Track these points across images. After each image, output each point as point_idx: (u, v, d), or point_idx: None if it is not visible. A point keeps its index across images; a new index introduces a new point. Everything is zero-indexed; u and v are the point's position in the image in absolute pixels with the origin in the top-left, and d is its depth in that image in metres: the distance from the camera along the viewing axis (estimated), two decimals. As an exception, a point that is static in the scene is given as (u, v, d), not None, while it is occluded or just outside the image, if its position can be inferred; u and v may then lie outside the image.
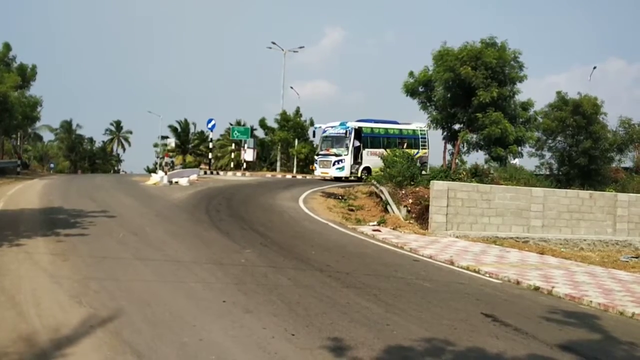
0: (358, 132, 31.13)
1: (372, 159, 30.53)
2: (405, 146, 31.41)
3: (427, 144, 33.84)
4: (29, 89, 36.55)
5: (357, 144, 30.96)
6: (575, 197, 19.18)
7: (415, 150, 31.73)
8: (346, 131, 31.00)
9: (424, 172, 27.16)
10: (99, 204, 17.31)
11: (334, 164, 30.74)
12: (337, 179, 30.23)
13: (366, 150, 31.35)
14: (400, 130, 33.93)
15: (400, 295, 8.82)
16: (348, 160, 30.50)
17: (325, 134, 32.38)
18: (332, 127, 32.13)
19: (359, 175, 30.61)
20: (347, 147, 30.55)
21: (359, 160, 30.98)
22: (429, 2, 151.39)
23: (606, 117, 31.65)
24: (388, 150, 28.01)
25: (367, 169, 30.45)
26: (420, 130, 33.27)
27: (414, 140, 33.66)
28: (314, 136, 32.78)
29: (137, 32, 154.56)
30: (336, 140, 31.40)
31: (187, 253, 10.91)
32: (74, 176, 41.84)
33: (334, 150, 31.09)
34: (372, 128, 32.58)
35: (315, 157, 32.61)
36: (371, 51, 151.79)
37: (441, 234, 16.72)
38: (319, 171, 31.63)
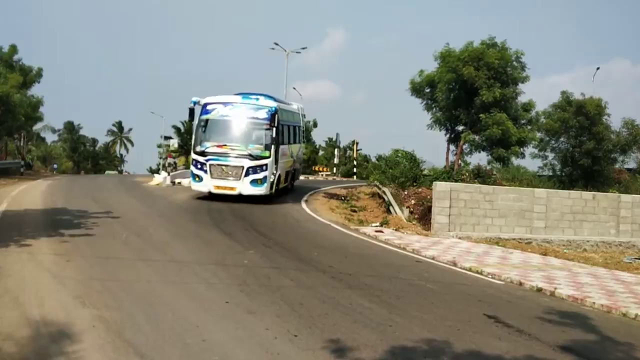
0: (275, 114, 18.95)
1: (282, 161, 20.40)
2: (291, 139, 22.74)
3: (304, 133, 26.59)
4: (32, 89, 36.62)
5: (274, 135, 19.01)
6: (579, 198, 19.13)
7: (298, 146, 24.67)
8: (270, 113, 18.83)
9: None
10: (102, 204, 17.36)
11: (247, 173, 18.48)
12: (247, 198, 18.69)
13: (282, 147, 20.25)
14: (293, 113, 23.90)
15: (402, 297, 8.83)
16: (271, 166, 18.75)
17: (217, 114, 19.11)
18: (231, 103, 19.30)
19: (273, 190, 19.24)
20: (271, 143, 18.75)
21: (276, 165, 19.21)
22: (432, 2, 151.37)
23: (609, 118, 31.65)
24: (295, 145, 23.18)
25: (278, 179, 19.67)
26: (302, 113, 25.92)
27: (295, 128, 23.90)
28: (190, 117, 19.36)
29: (142, 33, 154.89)
30: (247, 129, 19.08)
31: (190, 254, 10.94)
32: (77, 177, 41.95)
33: (239, 147, 18.73)
34: (284, 110, 21.59)
35: (193, 157, 19.57)
36: (374, 51, 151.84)
37: (444, 235, 16.71)
38: (206, 183, 18.79)
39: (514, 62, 25.44)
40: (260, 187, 18.69)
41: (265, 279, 9.18)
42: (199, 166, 18.98)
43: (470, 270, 11.63)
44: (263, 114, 18.96)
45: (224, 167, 18.71)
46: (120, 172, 71.49)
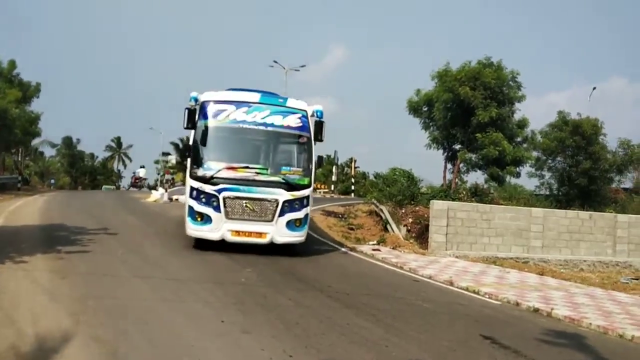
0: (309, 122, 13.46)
1: None
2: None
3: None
4: (30, 104, 36.75)
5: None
6: (575, 218, 19.17)
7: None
8: (306, 120, 13.31)
9: None
10: (99, 221, 17.33)
11: (282, 211, 12.83)
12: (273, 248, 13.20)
13: None
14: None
15: (399, 316, 8.81)
16: (311, 198, 13.49)
17: (227, 119, 13.00)
18: (247, 103, 13.11)
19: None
20: (310, 164, 13.31)
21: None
22: (431, 20, 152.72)
23: (606, 137, 31.80)
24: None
25: None
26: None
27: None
28: (190, 123, 12.83)
29: (142, 48, 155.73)
30: (277, 143, 13.67)
31: (187, 272, 10.90)
32: (75, 192, 41.86)
33: (268, 171, 13.07)
34: None
35: (191, 184, 12.86)
36: (374, 69, 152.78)
37: (441, 254, 16.70)
38: (217, 226, 12.69)
39: (510, 82, 25.68)
40: (300, 230, 12.94)
41: (262, 298, 9.15)
42: (204, 199, 12.47)
43: (467, 289, 11.61)
44: (296, 121, 13.07)
45: (248, 202, 12.54)
46: (118, 187, 71.43)
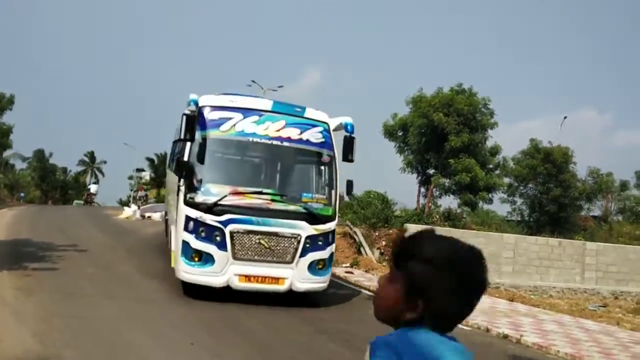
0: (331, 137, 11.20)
1: None
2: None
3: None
4: (3, 117, 36.22)
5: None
6: (545, 245, 19.48)
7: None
8: (328, 135, 10.88)
9: None
10: (69, 237, 17.00)
11: (304, 250, 10.12)
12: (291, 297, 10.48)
13: None
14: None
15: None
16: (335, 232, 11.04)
17: (233, 130, 10.26)
18: (258, 111, 10.47)
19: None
20: (334, 189, 10.78)
21: None
22: (407, 46, 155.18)
23: (576, 166, 32.54)
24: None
25: None
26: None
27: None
28: (188, 132, 9.94)
29: (117, 65, 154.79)
30: (295, 163, 11.50)
31: (157, 292, 10.75)
32: (45, 207, 41.10)
33: (285, 199, 10.40)
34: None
35: (187, 212, 9.91)
36: (351, 90, 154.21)
37: (413, 278, 16.75)
38: (221, 268, 9.78)
39: (482, 109, 26.23)
40: (324, 274, 10.40)
41: (234, 321, 9.06)
42: (204, 234, 9.72)
43: (438, 314, 11.63)
44: (317, 136, 10.57)
45: (262, 237, 9.82)
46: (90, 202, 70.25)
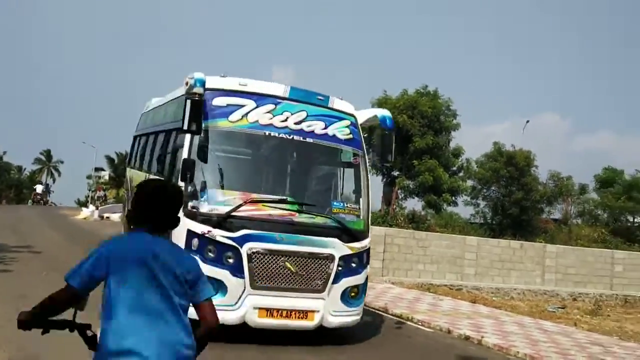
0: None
1: None
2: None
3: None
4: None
5: None
6: (507, 247, 19.73)
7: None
8: (356, 131, 8.99)
9: None
10: (23, 237, 16.44)
11: (337, 274, 8.14)
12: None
13: None
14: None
15: (329, 343, 8.67)
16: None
17: (245, 122, 8.19)
18: (275, 98, 8.42)
19: None
20: (366, 197, 8.92)
21: None
22: (372, 46, 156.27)
23: (537, 169, 33.20)
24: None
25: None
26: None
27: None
28: (193, 119, 7.66)
29: (76, 63, 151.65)
30: (323, 164, 9.72)
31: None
32: None
33: (313, 209, 8.34)
34: None
35: (190, 226, 7.62)
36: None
37: (377, 280, 16.74)
38: (236, 299, 7.66)
39: (445, 110, 26.59)
40: (358, 304, 8.61)
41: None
42: (213, 254, 7.70)
43: (400, 317, 11.63)
44: (345, 132, 8.79)
45: (288, 259, 7.89)
46: (46, 202, 68.45)
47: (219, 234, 7.57)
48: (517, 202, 31.51)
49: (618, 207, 36.22)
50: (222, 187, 8.11)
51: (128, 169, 15.46)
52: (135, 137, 15.08)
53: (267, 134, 8.27)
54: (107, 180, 57.12)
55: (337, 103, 8.91)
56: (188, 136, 7.92)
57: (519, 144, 34.12)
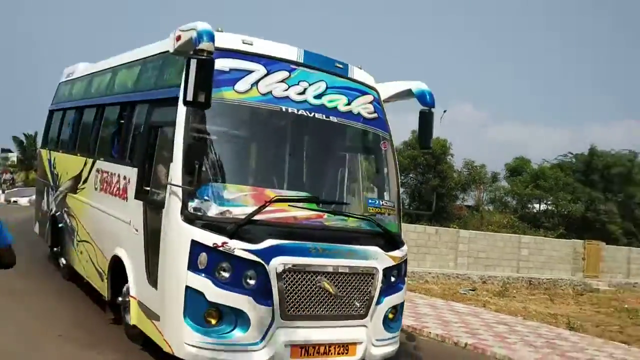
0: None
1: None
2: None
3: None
4: None
5: None
6: (423, 232, 20.45)
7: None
8: (380, 107, 7.20)
9: None
10: None
11: (380, 292, 6.43)
12: None
13: None
14: None
15: None
16: None
17: (254, 92, 6.12)
18: (289, 63, 6.44)
19: None
20: (395, 187, 7.26)
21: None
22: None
23: (453, 158, 34.54)
24: None
25: None
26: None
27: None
28: (204, 90, 5.30)
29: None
30: (353, 149, 7.58)
31: (21, 280, 9.92)
32: None
33: (348, 207, 6.84)
34: None
35: (186, 230, 5.63)
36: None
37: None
38: (262, 333, 5.69)
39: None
40: (397, 329, 7.14)
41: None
42: (228, 274, 5.61)
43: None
44: (369, 110, 7.07)
45: (325, 277, 5.99)
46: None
47: (238, 246, 5.53)
48: (433, 189, 32.67)
49: (526, 194, 38.42)
50: (235, 181, 6.12)
51: (44, 151, 12.23)
52: (52, 112, 12.30)
53: (284, 109, 6.26)
54: (14, 162, 53.85)
55: (357, 73, 7.14)
56: (182, 111, 5.79)
57: (436, 132, 35.30)
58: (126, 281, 6.81)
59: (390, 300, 6.58)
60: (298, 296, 5.76)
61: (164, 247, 5.91)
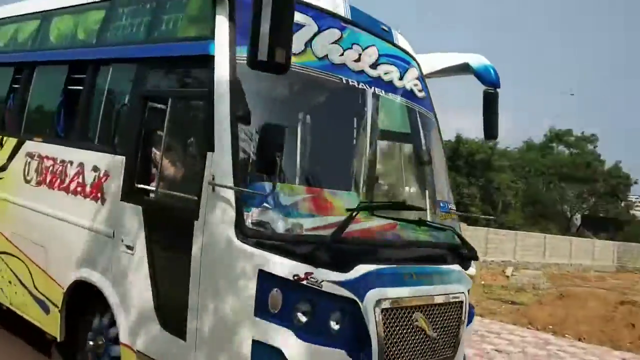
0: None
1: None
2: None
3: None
4: None
5: None
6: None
7: None
8: (424, 83, 5.48)
9: None
10: None
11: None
12: None
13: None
14: None
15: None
16: None
17: (333, 65, 4.38)
18: (338, 20, 4.52)
19: None
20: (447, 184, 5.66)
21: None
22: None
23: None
24: None
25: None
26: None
27: None
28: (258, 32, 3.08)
29: None
30: (416, 136, 5.52)
31: None
32: None
33: (421, 208, 4.97)
34: None
35: (245, 252, 3.61)
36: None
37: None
38: None
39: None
40: None
41: None
42: (312, 318, 3.62)
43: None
44: (419, 88, 5.33)
45: (421, 310, 4.08)
46: None
47: (326, 278, 3.66)
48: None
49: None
50: (301, 182, 4.42)
51: None
52: None
53: (344, 81, 4.51)
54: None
55: (401, 40, 5.51)
56: (224, 77, 3.83)
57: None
58: (91, 316, 4.79)
59: (468, 332, 4.93)
60: (398, 343, 3.94)
61: (205, 279, 3.83)
